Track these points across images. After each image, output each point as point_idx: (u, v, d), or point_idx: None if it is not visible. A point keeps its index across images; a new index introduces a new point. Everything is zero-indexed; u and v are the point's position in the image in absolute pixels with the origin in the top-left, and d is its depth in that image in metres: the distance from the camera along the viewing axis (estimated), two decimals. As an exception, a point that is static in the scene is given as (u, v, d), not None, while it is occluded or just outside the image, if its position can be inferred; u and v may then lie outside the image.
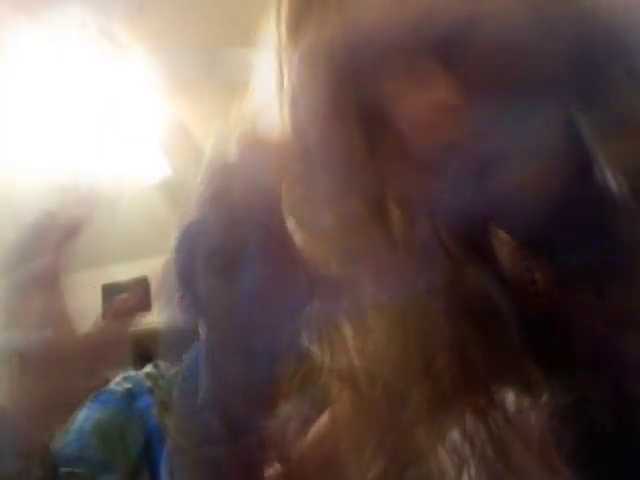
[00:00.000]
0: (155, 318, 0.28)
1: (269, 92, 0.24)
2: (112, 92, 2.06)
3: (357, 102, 0.29)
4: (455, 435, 0.41)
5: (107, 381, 0.95)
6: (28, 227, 0.46)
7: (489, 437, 0.40)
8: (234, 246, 0.25)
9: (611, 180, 0.29)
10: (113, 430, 0.84)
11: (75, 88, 1.99)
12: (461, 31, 0.19)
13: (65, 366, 0.46)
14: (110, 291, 2.57)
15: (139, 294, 0.31)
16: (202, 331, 0.28)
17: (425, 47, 0.19)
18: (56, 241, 0.47)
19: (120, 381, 0.93)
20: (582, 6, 0.19)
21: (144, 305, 0.28)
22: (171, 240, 0.27)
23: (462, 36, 0.19)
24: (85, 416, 0.85)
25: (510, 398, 0.41)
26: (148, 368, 0.96)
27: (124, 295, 0.47)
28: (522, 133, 0.22)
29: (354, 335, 0.39)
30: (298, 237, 0.25)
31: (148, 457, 0.80)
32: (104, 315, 0.49)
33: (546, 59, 0.19)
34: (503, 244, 0.40)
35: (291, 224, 0.25)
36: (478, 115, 0.23)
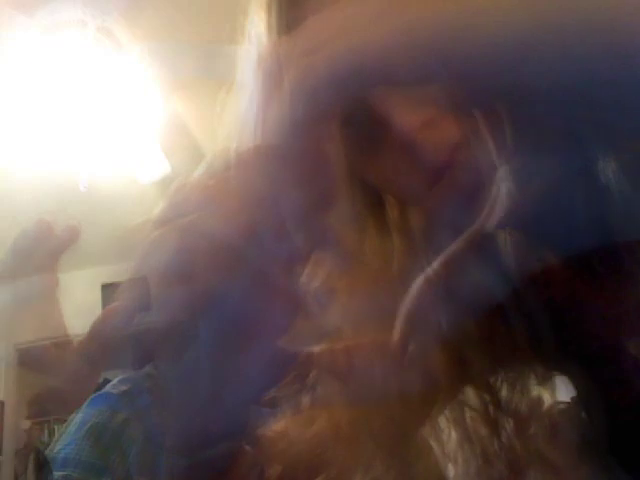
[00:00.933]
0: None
1: (267, 92, 0.24)
2: (111, 90, 2.06)
3: (358, 104, 0.29)
4: (455, 434, 0.41)
5: (107, 381, 0.95)
6: (24, 238, 0.45)
7: (489, 435, 0.40)
8: (236, 244, 0.25)
9: (613, 175, 0.29)
10: (109, 434, 0.84)
11: (74, 86, 1.99)
12: (459, 41, 0.19)
13: (61, 372, 0.46)
14: (110, 291, 2.57)
15: (131, 297, 0.31)
16: (202, 331, 0.28)
17: (425, 58, 0.19)
18: (53, 253, 0.46)
19: (117, 384, 0.93)
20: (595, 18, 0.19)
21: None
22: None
23: (460, 46, 0.19)
24: (81, 419, 0.84)
25: (512, 395, 0.41)
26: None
27: (114, 303, 0.47)
28: (524, 147, 0.22)
29: (352, 334, 0.39)
30: (298, 240, 0.25)
31: (147, 457, 0.80)
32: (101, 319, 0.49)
33: (551, 74, 0.19)
34: (506, 239, 0.40)
35: (290, 227, 0.25)
36: (478, 129, 0.23)
